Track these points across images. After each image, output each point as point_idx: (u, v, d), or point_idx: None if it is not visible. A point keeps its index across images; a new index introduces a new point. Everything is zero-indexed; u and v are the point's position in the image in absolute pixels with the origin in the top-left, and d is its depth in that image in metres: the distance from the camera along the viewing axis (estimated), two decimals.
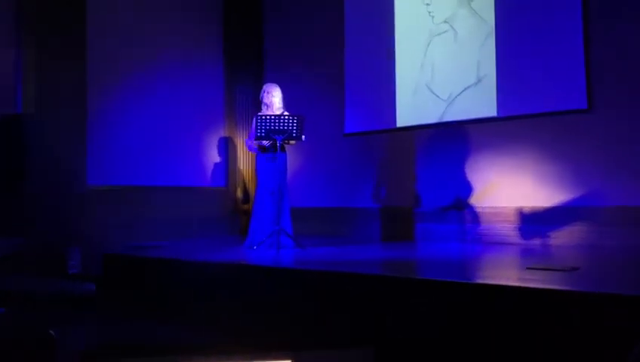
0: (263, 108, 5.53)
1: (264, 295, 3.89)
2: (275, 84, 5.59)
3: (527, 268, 3.59)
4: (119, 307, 4.71)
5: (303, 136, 5.20)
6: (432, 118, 6.05)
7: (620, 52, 4.94)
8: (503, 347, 2.83)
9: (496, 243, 5.41)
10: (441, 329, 3.04)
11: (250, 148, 5.78)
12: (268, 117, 5.14)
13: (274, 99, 5.48)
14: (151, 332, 3.92)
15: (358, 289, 3.45)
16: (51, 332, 1.82)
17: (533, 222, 5.34)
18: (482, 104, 5.68)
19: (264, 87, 5.64)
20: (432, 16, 6.11)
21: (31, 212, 5.48)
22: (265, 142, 5.31)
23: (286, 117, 5.14)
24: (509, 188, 5.51)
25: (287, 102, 5.59)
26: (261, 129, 5.11)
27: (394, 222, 6.27)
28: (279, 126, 5.10)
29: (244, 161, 7.40)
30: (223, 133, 7.43)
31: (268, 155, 5.36)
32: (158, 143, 6.67)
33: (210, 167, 7.29)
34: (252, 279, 4.05)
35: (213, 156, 7.32)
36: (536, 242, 5.27)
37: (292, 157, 5.65)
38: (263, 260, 4.51)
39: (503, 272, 3.77)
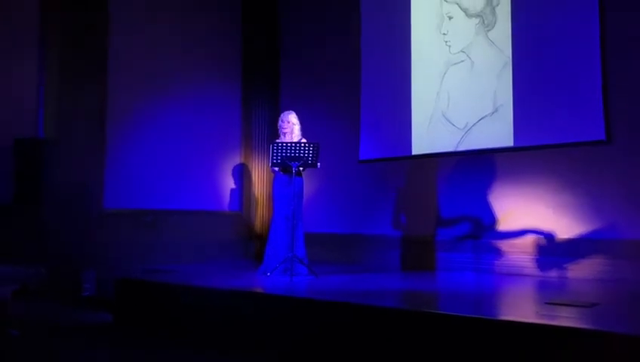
0: (281, 135, 5.57)
1: (275, 323, 3.86)
2: (292, 112, 5.62)
3: (547, 303, 3.53)
4: (132, 333, 4.69)
5: (319, 164, 5.21)
6: (447, 147, 6.04)
7: (638, 84, 4.91)
8: None
9: (513, 275, 5.34)
10: None
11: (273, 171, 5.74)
12: (283, 144, 5.16)
13: (293, 127, 5.51)
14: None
15: (369, 321, 3.41)
16: None
17: (550, 253, 5.27)
18: (499, 134, 5.67)
19: (282, 114, 5.67)
20: (449, 46, 6.15)
21: (48, 234, 5.52)
22: (276, 169, 5.35)
23: (301, 144, 5.16)
24: (525, 219, 5.46)
25: (302, 129, 5.61)
26: (276, 155, 5.13)
27: (408, 250, 6.22)
28: (295, 153, 5.12)
29: (259, 186, 7.42)
30: (239, 158, 7.47)
31: (284, 180, 5.38)
32: (175, 168, 6.73)
33: (225, 191, 7.32)
34: (264, 307, 4.03)
35: (229, 181, 7.36)
36: (553, 274, 5.20)
37: (307, 183, 5.66)
38: (274, 288, 4.49)
39: (522, 307, 3.71)
